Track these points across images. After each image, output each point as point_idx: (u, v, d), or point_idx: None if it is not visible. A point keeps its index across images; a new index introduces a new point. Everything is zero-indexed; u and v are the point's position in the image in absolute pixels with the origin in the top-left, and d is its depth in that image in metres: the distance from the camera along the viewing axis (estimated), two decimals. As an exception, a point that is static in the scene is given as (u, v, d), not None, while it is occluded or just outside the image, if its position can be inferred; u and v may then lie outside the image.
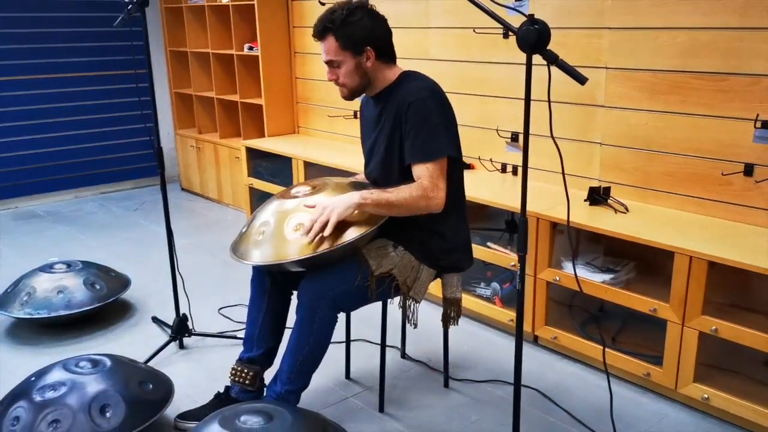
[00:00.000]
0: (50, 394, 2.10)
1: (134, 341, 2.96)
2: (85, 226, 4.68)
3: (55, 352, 2.85)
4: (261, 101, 4.56)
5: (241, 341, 2.84)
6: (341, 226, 2.05)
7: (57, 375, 2.18)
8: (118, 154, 5.61)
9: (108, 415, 2.08)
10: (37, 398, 2.10)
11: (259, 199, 4.41)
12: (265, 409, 1.97)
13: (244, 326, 3.01)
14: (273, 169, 4.32)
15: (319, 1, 4.13)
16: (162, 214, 4.86)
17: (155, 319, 3.15)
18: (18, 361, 2.81)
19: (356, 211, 2.07)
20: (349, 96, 2.22)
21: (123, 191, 5.63)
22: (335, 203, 2.05)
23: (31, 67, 5.05)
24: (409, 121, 2.08)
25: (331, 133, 4.42)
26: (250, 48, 4.56)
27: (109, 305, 3.14)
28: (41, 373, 2.22)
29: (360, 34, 2.10)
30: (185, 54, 5.20)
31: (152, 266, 3.84)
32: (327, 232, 2.01)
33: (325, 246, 2.02)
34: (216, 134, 5.11)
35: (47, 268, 3.14)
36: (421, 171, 2.09)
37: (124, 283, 3.27)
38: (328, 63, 2.16)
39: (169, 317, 3.01)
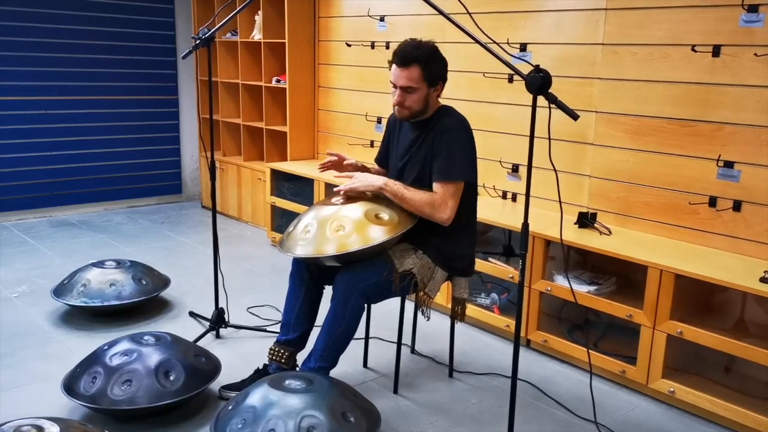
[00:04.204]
0: (123, 359, 2.50)
1: (175, 331, 3.31)
2: (117, 234, 5.10)
3: (107, 336, 3.21)
4: (285, 128, 5.03)
5: (271, 334, 3.28)
6: (372, 230, 2.49)
7: (126, 345, 2.58)
8: (145, 171, 6.05)
9: (172, 378, 2.49)
10: (111, 363, 2.50)
11: (280, 216, 4.84)
12: (306, 376, 2.39)
13: (272, 322, 3.45)
14: (294, 189, 4.76)
15: (346, 43, 4.65)
16: (186, 227, 5.41)
17: (192, 314, 3.55)
18: (74, 341, 3.21)
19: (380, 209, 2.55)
20: (408, 118, 2.63)
21: (149, 206, 6.06)
22: (362, 178, 2.58)
23: (72, 89, 5.51)
24: (439, 147, 2.54)
25: (348, 160, 4.87)
26: (278, 80, 5.05)
27: (151, 299, 3.55)
28: (112, 344, 2.62)
29: (440, 69, 2.56)
30: (215, 83, 5.68)
31: (183, 270, 4.25)
32: (344, 190, 2.57)
33: (358, 245, 2.46)
34: (239, 157, 5.57)
35: (100, 264, 3.55)
36: (438, 188, 2.55)
37: (165, 281, 3.68)
38: (403, 88, 2.52)
39: (203, 313, 3.43)
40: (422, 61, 2.50)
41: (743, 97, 2.80)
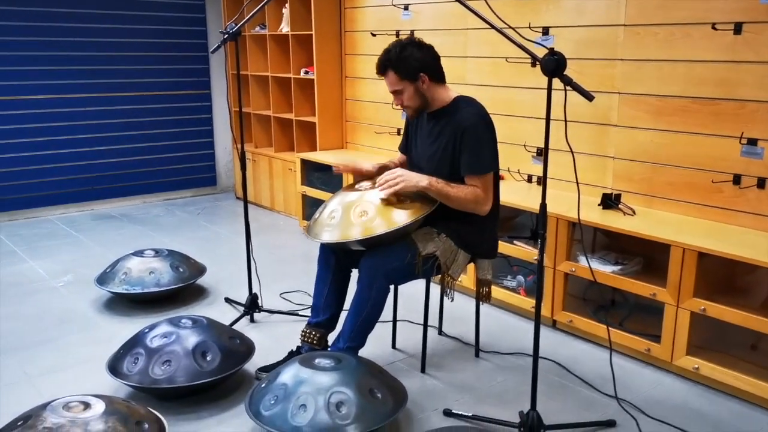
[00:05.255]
0: (162, 341, 2.63)
1: (211, 316, 3.42)
2: (155, 226, 5.28)
3: (147, 321, 3.35)
4: (314, 119, 5.14)
5: (302, 318, 3.39)
6: (396, 214, 2.56)
7: (165, 328, 2.71)
8: (181, 165, 6.24)
9: (208, 358, 2.61)
10: (151, 345, 2.64)
11: (311, 205, 4.96)
12: (335, 355, 2.49)
13: (303, 307, 3.57)
14: (324, 178, 4.87)
15: (371, 33, 4.73)
16: (221, 217, 5.57)
17: (227, 300, 3.69)
18: (117, 326, 3.37)
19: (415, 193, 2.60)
20: (414, 115, 2.75)
21: (184, 198, 6.26)
22: (409, 176, 2.59)
23: (109, 87, 5.71)
24: (465, 142, 2.60)
25: (377, 148, 4.96)
26: (306, 72, 5.15)
27: (188, 287, 3.70)
28: (152, 327, 2.75)
29: (413, 64, 2.62)
30: (245, 77, 5.81)
31: (218, 259, 4.40)
32: (388, 192, 2.54)
33: (382, 229, 2.54)
34: (270, 148, 5.70)
35: (139, 253, 3.71)
36: (476, 182, 2.62)
37: (201, 269, 3.83)
38: (393, 92, 2.69)
39: (238, 299, 3.56)
40: (391, 65, 2.63)
41: (766, 74, 2.80)
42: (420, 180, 2.58)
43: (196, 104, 6.21)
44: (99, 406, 2.13)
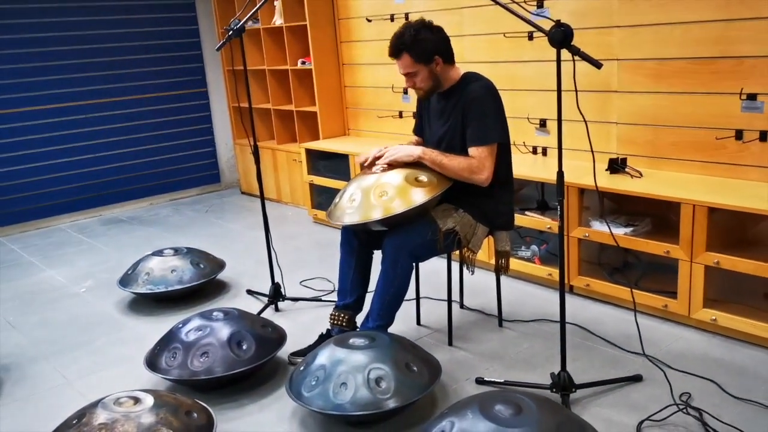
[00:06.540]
0: (198, 334, 2.71)
1: (236, 308, 3.56)
2: (166, 226, 5.34)
3: (173, 319, 3.43)
4: (315, 108, 5.19)
5: (326, 303, 3.47)
6: (414, 192, 2.63)
7: (198, 322, 2.79)
8: (184, 164, 6.29)
9: (244, 348, 2.69)
10: (187, 339, 2.71)
11: (319, 193, 5.02)
12: (368, 334, 2.56)
13: (325, 292, 3.64)
14: (330, 166, 4.93)
15: (366, 18, 4.77)
16: (230, 213, 5.58)
17: (250, 291, 3.76)
18: (145, 326, 3.44)
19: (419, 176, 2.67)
20: (426, 96, 2.82)
21: (191, 197, 6.31)
22: (397, 147, 2.76)
23: (107, 92, 5.75)
24: (469, 114, 2.69)
25: (379, 132, 5.02)
26: (303, 62, 5.19)
27: (210, 282, 3.77)
28: (185, 322, 2.83)
29: (428, 47, 2.68)
30: (241, 72, 5.84)
31: (234, 254, 4.46)
32: (382, 166, 2.75)
33: (402, 208, 2.61)
34: (273, 141, 5.75)
35: (159, 252, 3.77)
36: (474, 152, 2.70)
37: (220, 264, 3.89)
38: (406, 75, 2.75)
39: (259, 290, 3.64)
40: (407, 47, 2.67)
41: (762, 29, 2.87)
42: (413, 150, 2.74)
43: (194, 103, 6.26)
44: (148, 400, 2.21)
